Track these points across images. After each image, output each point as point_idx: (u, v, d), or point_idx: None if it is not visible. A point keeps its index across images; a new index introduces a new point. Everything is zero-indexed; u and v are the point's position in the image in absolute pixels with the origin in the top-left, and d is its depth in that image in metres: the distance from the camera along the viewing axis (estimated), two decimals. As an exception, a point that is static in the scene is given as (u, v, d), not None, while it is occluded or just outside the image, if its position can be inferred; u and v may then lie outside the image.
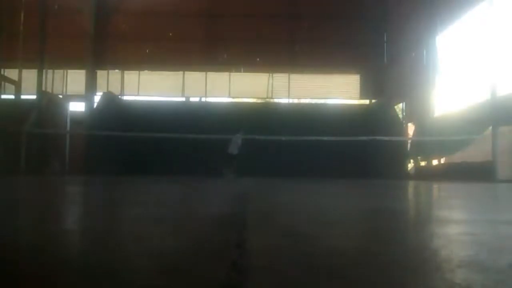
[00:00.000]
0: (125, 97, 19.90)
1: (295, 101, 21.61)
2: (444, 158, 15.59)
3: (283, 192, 4.24)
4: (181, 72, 20.68)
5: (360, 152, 14.44)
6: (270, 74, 21.00)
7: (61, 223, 1.64)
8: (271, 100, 21.17)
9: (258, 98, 21.71)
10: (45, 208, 2.19)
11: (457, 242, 1.19)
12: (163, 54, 20.07)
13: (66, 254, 0.98)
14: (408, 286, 0.71)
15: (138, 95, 20.58)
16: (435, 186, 6.66)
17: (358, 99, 21.21)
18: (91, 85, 19.81)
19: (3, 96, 18.00)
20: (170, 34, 20.36)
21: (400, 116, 18.32)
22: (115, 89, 19.56)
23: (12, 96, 17.11)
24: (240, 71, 20.83)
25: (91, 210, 2.15)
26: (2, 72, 18.46)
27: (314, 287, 0.67)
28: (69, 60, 19.28)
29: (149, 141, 14.06)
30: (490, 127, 11.88)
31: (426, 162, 16.60)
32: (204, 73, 20.58)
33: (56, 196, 3.28)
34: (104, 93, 17.26)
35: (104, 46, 20.10)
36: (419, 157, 16.86)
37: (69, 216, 1.92)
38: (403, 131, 16.85)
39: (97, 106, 16.76)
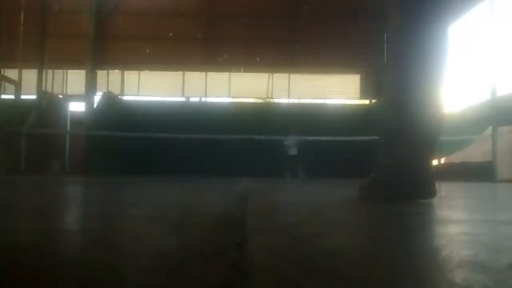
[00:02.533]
0: (125, 97, 19.92)
1: (295, 101, 21.62)
2: (444, 158, 15.61)
3: (283, 192, 4.24)
4: (181, 72, 20.68)
5: (360, 152, 14.45)
6: (270, 74, 21.00)
7: (61, 223, 1.64)
8: (271, 100, 21.18)
9: (258, 98, 21.72)
10: (45, 208, 2.19)
11: (457, 242, 1.19)
12: (163, 54, 20.08)
13: (66, 254, 0.98)
14: (408, 286, 0.71)
15: (138, 95, 20.59)
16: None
17: (358, 99, 21.21)
18: (91, 85, 19.82)
19: (3, 96, 18.02)
20: (170, 34, 20.36)
21: (400, 116, 18.32)
22: (115, 89, 19.58)
23: (12, 96, 17.13)
24: (240, 71, 20.83)
25: (91, 210, 2.15)
26: (2, 72, 18.48)
27: (313, 286, 0.67)
28: (69, 60, 19.30)
29: (149, 140, 14.07)
30: (490, 127, 11.89)
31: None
32: (204, 73, 20.58)
33: (55, 196, 3.28)
34: (104, 93, 17.27)
35: (104, 46, 20.10)
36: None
37: (68, 216, 1.92)
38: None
39: (97, 106, 16.78)
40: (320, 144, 14.11)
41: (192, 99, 20.43)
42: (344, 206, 2.55)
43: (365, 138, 13.67)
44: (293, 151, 13.62)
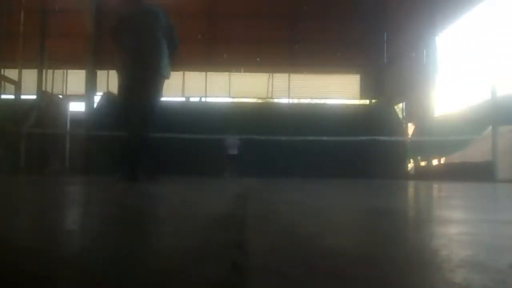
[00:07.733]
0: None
1: (295, 101, 21.62)
2: (444, 158, 15.60)
3: (283, 192, 4.24)
4: (181, 72, 20.68)
5: (360, 152, 14.45)
6: (270, 74, 21.01)
7: (60, 223, 1.64)
8: (271, 100, 21.19)
9: (258, 98, 21.72)
10: (44, 208, 2.19)
11: (457, 242, 1.19)
12: (163, 54, 20.08)
13: (66, 254, 0.98)
14: (408, 286, 0.71)
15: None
16: (435, 186, 6.66)
17: (358, 99, 21.24)
18: (91, 85, 19.81)
19: (3, 96, 17.98)
20: (170, 34, 20.35)
21: (400, 116, 18.33)
22: (115, 89, 19.59)
23: (12, 96, 17.09)
24: (240, 71, 20.84)
25: (90, 209, 2.15)
26: (2, 72, 18.44)
27: (313, 286, 0.67)
28: (69, 60, 19.28)
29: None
30: (490, 127, 11.88)
31: (426, 162, 16.60)
32: (204, 73, 20.58)
33: (55, 196, 3.28)
34: (104, 93, 17.27)
35: (104, 46, 20.08)
36: (419, 157, 16.86)
37: (68, 216, 1.92)
38: (403, 131, 16.86)
39: (97, 106, 16.77)
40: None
41: (192, 99, 20.42)
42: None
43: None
44: (233, 151, 13.81)
